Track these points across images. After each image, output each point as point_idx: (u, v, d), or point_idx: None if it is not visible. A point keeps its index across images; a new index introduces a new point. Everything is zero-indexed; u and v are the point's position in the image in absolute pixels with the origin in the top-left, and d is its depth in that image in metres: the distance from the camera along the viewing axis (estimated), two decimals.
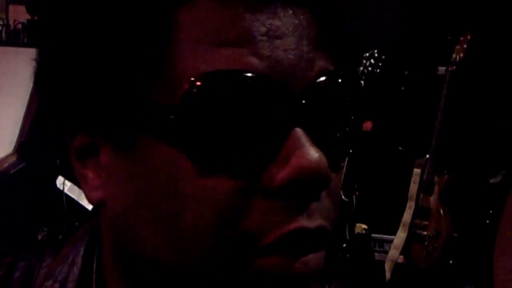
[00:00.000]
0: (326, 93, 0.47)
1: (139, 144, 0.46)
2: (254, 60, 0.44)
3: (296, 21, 0.46)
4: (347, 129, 0.50)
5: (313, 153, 0.44)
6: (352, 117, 0.50)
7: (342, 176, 2.73)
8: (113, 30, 0.46)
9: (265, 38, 0.45)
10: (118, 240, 0.52)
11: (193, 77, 0.44)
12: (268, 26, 0.45)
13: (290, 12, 0.46)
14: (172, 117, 0.44)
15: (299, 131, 0.45)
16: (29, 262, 0.59)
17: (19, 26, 3.09)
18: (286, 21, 0.46)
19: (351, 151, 0.51)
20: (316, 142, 0.45)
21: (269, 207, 0.45)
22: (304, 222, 0.45)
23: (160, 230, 0.46)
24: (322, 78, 0.47)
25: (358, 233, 2.79)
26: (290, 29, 0.46)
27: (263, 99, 0.44)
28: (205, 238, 0.45)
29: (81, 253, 0.57)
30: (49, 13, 0.51)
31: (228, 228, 0.44)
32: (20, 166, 2.51)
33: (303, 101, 0.45)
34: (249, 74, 0.44)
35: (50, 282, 0.56)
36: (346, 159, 2.68)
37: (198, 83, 0.44)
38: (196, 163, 0.44)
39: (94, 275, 0.55)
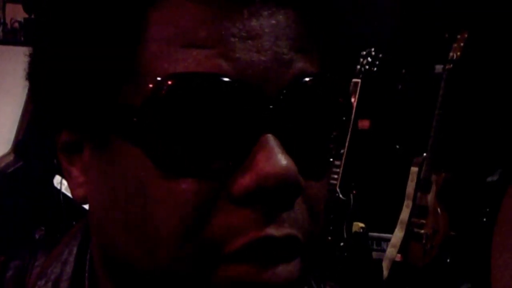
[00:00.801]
0: (303, 96, 0.45)
1: (111, 145, 0.46)
2: (222, 63, 0.43)
3: (274, 21, 0.45)
4: (332, 133, 0.48)
5: (279, 160, 0.42)
6: (338, 121, 0.48)
7: (338, 180, 2.73)
8: (85, 28, 0.46)
9: (236, 39, 0.43)
10: (98, 239, 0.52)
11: (157, 79, 0.43)
12: (241, 26, 0.44)
13: (268, 12, 0.45)
14: (134, 119, 0.43)
15: (268, 136, 0.43)
16: (22, 261, 0.59)
17: (16, 25, 3.09)
18: (262, 21, 0.44)
19: (331, 159, 0.48)
20: (290, 149, 0.43)
21: (235, 213, 0.43)
22: (270, 230, 0.43)
23: (129, 231, 0.46)
24: (299, 81, 0.45)
25: (356, 231, 2.79)
26: (266, 30, 0.44)
27: (230, 103, 0.43)
28: (170, 241, 0.44)
29: (74, 252, 0.56)
30: (40, 12, 0.51)
31: (193, 232, 0.43)
32: (17, 165, 2.50)
33: (272, 106, 0.43)
34: (215, 78, 0.43)
35: (43, 282, 0.56)
36: (343, 158, 2.67)
37: (162, 85, 0.43)
38: (160, 167, 0.43)
39: (87, 274, 0.55)
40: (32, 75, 0.51)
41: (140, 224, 0.45)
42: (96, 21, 0.45)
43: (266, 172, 0.42)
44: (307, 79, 0.45)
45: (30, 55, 0.51)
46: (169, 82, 0.43)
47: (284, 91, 0.44)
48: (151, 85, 0.43)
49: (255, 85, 0.43)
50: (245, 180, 0.43)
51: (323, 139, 0.48)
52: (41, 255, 0.59)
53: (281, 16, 0.45)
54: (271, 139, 0.43)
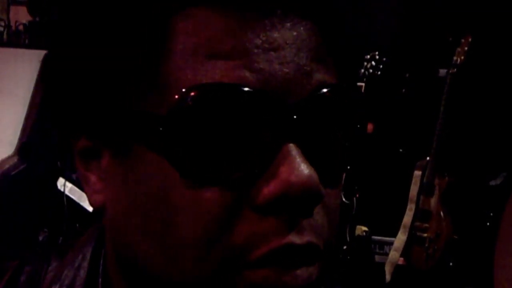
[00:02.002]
0: (323, 107, 0.46)
1: (133, 152, 0.46)
2: (246, 74, 0.43)
3: (295, 33, 0.45)
4: (346, 143, 0.48)
5: (303, 169, 0.43)
6: (353, 131, 0.48)
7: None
8: (109, 37, 0.46)
9: (260, 50, 0.44)
10: (115, 245, 0.52)
11: (182, 89, 0.43)
12: (264, 38, 0.44)
13: (290, 23, 0.45)
14: (160, 128, 0.44)
15: (291, 146, 0.44)
16: (35, 266, 0.59)
17: (21, 27, 3.08)
18: (284, 33, 0.45)
19: (348, 167, 0.49)
20: (310, 157, 0.44)
21: (258, 221, 0.44)
22: (292, 238, 0.44)
23: (151, 239, 0.46)
24: (319, 92, 0.45)
25: (359, 235, 2.80)
26: (288, 41, 0.45)
27: (254, 113, 0.44)
28: (193, 249, 0.44)
29: (88, 257, 0.56)
30: (53, 20, 0.51)
31: (216, 240, 0.44)
32: (21, 167, 2.50)
33: (296, 116, 0.44)
34: (240, 88, 0.43)
35: (56, 286, 0.56)
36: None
37: (187, 96, 0.43)
38: (184, 175, 0.44)
39: (100, 279, 0.55)
40: (50, 81, 0.52)
41: (163, 232, 0.45)
42: (120, 30, 0.46)
43: (290, 181, 0.43)
44: (326, 89, 0.46)
45: (48, 61, 0.51)
46: (195, 92, 0.43)
47: (306, 102, 0.45)
48: (177, 95, 0.43)
49: (278, 96, 0.44)
50: (270, 189, 0.43)
51: (339, 148, 0.48)
52: (54, 260, 0.59)
53: (301, 28, 0.46)
54: (293, 149, 0.44)
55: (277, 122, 0.44)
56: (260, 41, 0.44)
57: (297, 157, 0.44)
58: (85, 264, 0.56)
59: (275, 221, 0.44)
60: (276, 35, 0.45)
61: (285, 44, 0.45)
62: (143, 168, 0.45)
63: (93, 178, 0.50)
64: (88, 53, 0.47)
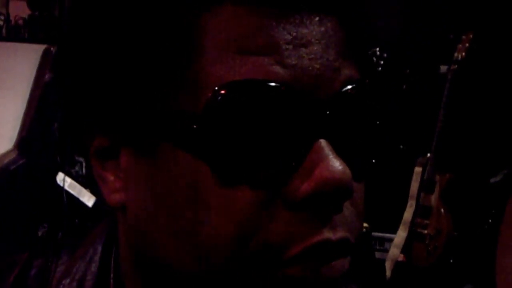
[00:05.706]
0: (352, 102, 0.46)
1: (161, 151, 0.45)
2: (279, 69, 0.44)
3: (323, 29, 0.46)
4: (372, 138, 0.49)
5: (337, 165, 0.43)
6: (375, 125, 0.49)
7: None
8: (138, 34, 0.45)
9: (290, 46, 0.44)
10: (137, 244, 0.51)
11: (216, 86, 0.43)
12: (294, 34, 0.44)
13: (317, 19, 0.46)
14: (194, 126, 0.43)
15: (323, 142, 0.44)
16: (45, 260, 0.58)
17: (20, 21, 3.08)
18: (312, 29, 0.45)
19: (374, 160, 0.50)
20: (340, 153, 0.44)
21: (292, 218, 0.44)
22: (327, 234, 0.44)
23: (180, 238, 0.46)
24: (348, 87, 0.46)
25: None
26: (317, 37, 0.45)
27: (287, 109, 0.44)
28: (225, 248, 0.44)
29: (99, 251, 0.56)
30: (75, 15, 0.51)
31: (249, 239, 0.44)
32: (20, 162, 2.50)
33: (328, 112, 0.45)
34: (273, 84, 0.43)
35: (67, 280, 0.56)
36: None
37: (221, 92, 0.43)
38: (218, 173, 0.44)
39: (112, 274, 0.55)
40: (67, 81, 0.51)
41: (194, 231, 0.45)
42: (150, 27, 0.45)
43: (325, 177, 0.43)
44: (354, 85, 0.46)
45: (64, 58, 0.50)
46: (229, 90, 0.43)
47: (337, 97, 0.45)
48: (210, 93, 0.43)
49: (310, 92, 0.44)
50: (305, 186, 0.43)
51: (365, 142, 0.48)
52: (65, 254, 0.58)
53: (328, 24, 0.46)
54: (325, 145, 0.44)
55: (310, 118, 0.44)
56: (291, 37, 0.44)
57: (330, 153, 0.44)
58: (97, 258, 0.56)
59: (309, 218, 0.44)
60: (305, 31, 0.45)
61: (314, 40, 0.45)
62: (172, 167, 0.45)
63: (110, 177, 0.50)
64: (113, 50, 0.47)
